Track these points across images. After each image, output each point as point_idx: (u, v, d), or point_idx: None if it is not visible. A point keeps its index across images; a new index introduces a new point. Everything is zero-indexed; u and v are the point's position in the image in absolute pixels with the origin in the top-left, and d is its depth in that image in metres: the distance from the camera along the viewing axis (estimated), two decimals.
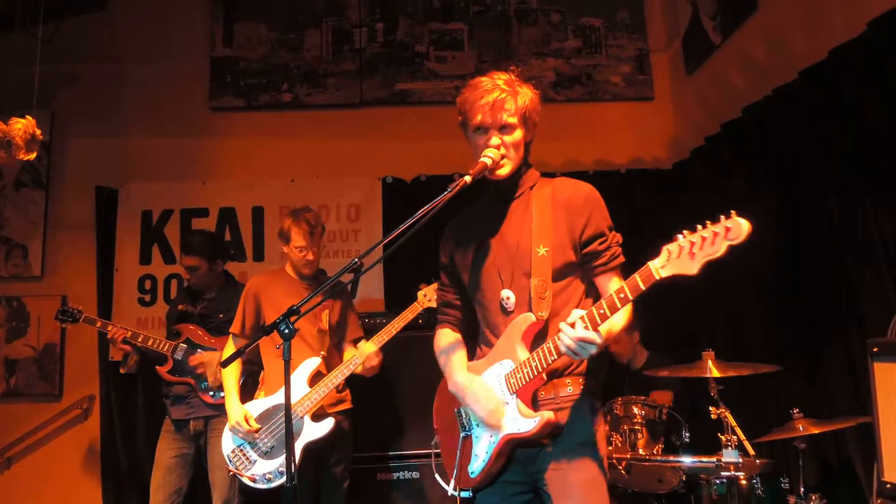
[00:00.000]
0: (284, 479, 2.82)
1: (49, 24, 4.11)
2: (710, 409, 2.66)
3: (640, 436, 2.98)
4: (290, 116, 4.99)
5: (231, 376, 3.11)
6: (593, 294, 1.95)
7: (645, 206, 4.58)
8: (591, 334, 1.66)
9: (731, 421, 2.58)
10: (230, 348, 3.20)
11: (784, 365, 2.82)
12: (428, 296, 3.20)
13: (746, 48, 4.01)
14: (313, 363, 3.03)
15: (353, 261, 1.84)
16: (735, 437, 2.56)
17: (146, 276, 4.68)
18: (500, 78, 1.93)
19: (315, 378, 3.03)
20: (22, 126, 2.60)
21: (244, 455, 2.97)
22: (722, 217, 1.50)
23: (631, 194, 4.67)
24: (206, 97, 4.97)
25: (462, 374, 2.01)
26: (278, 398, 3.00)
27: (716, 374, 2.69)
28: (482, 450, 1.93)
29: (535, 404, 1.86)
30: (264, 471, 2.90)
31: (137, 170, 4.84)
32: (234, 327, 3.18)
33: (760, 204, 3.55)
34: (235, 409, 3.01)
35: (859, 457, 2.92)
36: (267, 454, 2.93)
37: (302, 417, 2.91)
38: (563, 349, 1.70)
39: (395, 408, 3.83)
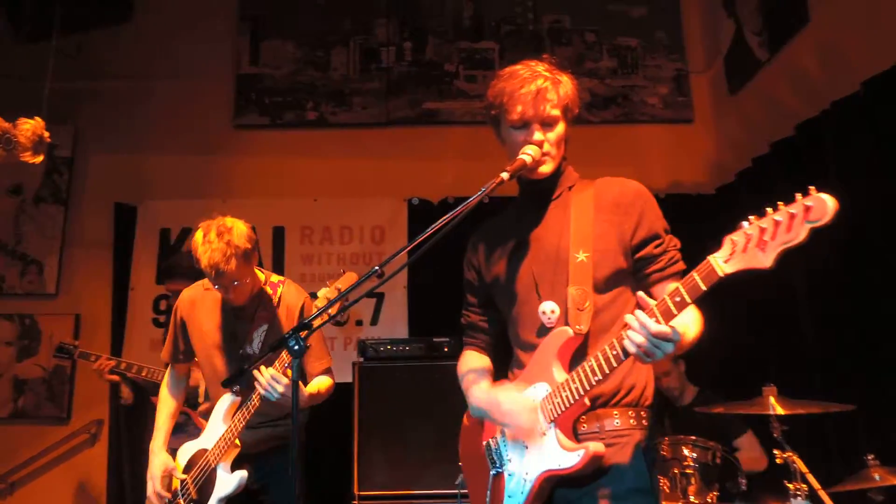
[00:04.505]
0: None
1: (73, 36, 4.05)
2: (775, 452, 2.34)
3: (691, 481, 2.64)
4: (315, 135, 4.87)
5: (164, 409, 2.60)
6: None
7: (686, 234, 4.26)
8: (666, 329, 1.35)
9: (802, 466, 2.25)
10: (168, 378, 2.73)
11: (857, 403, 2.49)
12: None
13: (798, 62, 3.77)
14: (227, 400, 2.47)
15: (374, 269, 1.61)
16: (805, 485, 2.23)
17: (162, 296, 4.50)
18: (538, 65, 1.71)
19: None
20: (30, 127, 2.45)
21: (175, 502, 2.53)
22: (798, 195, 1.22)
23: (671, 221, 4.38)
24: (230, 115, 4.87)
25: (486, 387, 1.74)
26: (204, 441, 2.49)
27: (780, 411, 2.37)
28: (517, 489, 1.64)
29: (575, 437, 1.58)
30: None
31: (158, 187, 4.73)
32: (164, 354, 2.67)
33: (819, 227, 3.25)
34: (157, 458, 2.50)
35: None
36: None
37: (214, 467, 2.39)
38: (632, 349, 1.40)
39: (415, 443, 3.51)
